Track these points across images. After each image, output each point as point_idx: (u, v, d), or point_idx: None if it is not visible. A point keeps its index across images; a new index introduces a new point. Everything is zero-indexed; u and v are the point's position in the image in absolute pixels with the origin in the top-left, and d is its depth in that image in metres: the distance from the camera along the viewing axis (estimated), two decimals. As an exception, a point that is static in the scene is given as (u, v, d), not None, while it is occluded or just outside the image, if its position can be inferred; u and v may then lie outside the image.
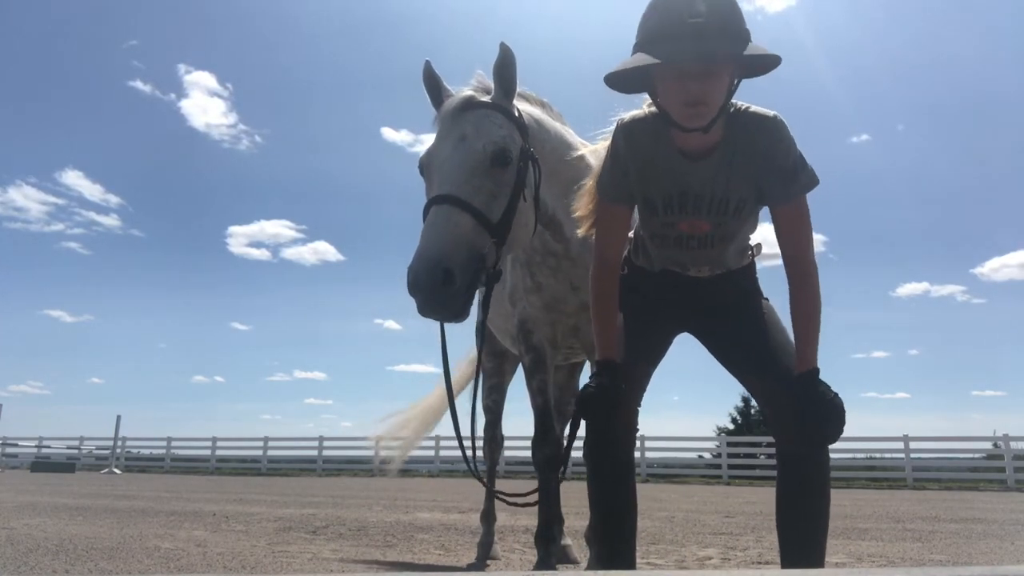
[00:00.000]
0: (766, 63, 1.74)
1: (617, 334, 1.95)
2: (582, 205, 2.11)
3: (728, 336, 2.01)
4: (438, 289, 1.88)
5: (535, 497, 2.84)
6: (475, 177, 2.07)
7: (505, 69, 2.26)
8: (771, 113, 1.83)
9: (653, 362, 2.02)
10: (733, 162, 1.83)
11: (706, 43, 1.64)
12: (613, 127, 1.98)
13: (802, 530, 1.82)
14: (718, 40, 1.65)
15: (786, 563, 1.83)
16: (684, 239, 1.95)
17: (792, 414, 1.77)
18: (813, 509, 1.82)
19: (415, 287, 1.88)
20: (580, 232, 2.18)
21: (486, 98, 2.26)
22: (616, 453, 1.94)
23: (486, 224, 2.03)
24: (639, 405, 1.95)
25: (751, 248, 2.08)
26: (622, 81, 1.82)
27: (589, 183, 2.09)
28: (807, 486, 1.82)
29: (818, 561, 1.78)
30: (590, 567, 3.12)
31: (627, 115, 1.96)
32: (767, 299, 2.08)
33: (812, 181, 1.85)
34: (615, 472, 1.95)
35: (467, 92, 2.28)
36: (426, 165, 2.21)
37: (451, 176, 2.06)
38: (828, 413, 1.73)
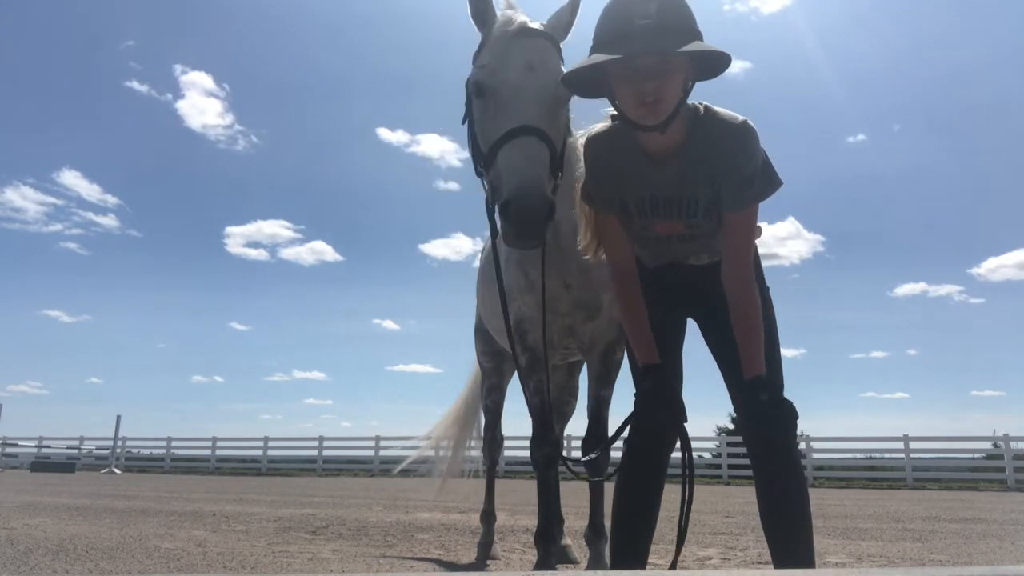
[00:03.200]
0: (718, 63, 1.77)
1: (651, 336, 1.97)
2: (583, 228, 2.12)
3: (717, 330, 2.03)
4: (541, 218, 1.90)
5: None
6: (548, 112, 2.07)
7: (570, 12, 2.27)
8: (740, 119, 1.84)
9: (679, 349, 2.09)
10: (696, 165, 1.85)
11: (656, 42, 1.69)
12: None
13: (784, 531, 1.83)
14: (668, 39, 1.69)
15: (776, 565, 1.83)
16: (664, 240, 2.00)
17: (758, 424, 1.86)
18: (789, 510, 1.83)
19: (523, 214, 1.89)
20: (588, 256, 2.16)
21: (539, 27, 2.23)
22: (661, 450, 2.02)
23: (555, 162, 2.06)
24: (681, 390, 2.04)
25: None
26: (580, 83, 1.87)
27: (580, 206, 2.12)
28: (779, 487, 1.85)
29: (805, 561, 1.78)
30: (590, 567, 3.12)
31: (595, 127, 2.01)
32: (768, 287, 2.06)
33: (768, 190, 1.88)
34: (656, 468, 2.01)
35: (521, 16, 2.24)
36: (488, 85, 2.12)
37: (531, 108, 2.03)
38: (767, 419, 1.81)
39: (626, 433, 2.04)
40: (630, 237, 2.04)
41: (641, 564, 1.95)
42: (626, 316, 2.00)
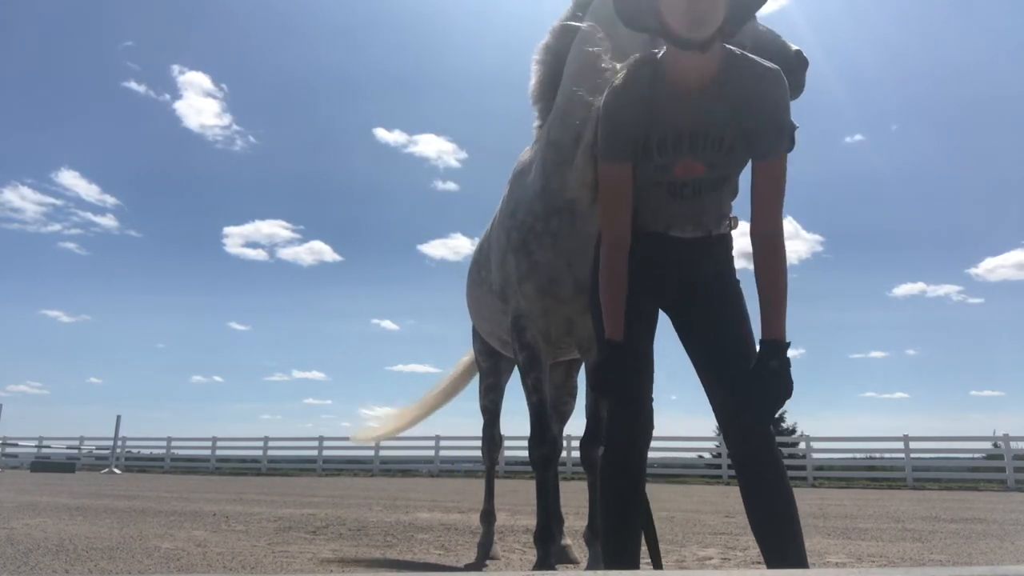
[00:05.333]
0: (751, 5, 1.86)
1: (622, 315, 1.96)
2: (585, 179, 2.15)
3: (694, 323, 2.01)
4: None
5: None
6: None
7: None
8: (774, 66, 1.86)
9: (652, 343, 2.04)
10: (729, 99, 1.85)
11: None
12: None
13: (772, 531, 1.82)
14: None
15: (770, 566, 1.83)
16: (678, 187, 1.93)
17: (737, 421, 1.84)
18: (774, 509, 1.82)
19: None
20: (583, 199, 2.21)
21: None
22: (638, 461, 1.98)
23: None
24: (651, 390, 1.99)
25: (730, 218, 2.07)
26: (631, 13, 1.89)
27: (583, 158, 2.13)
28: (763, 487, 1.84)
29: (798, 561, 1.77)
30: (590, 567, 3.12)
31: (615, 77, 1.99)
32: (739, 281, 2.06)
33: (793, 144, 1.89)
34: (630, 463, 1.98)
35: None
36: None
37: None
38: (771, 386, 1.78)
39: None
40: (637, 188, 1.98)
41: (635, 564, 1.95)
42: (607, 288, 1.96)
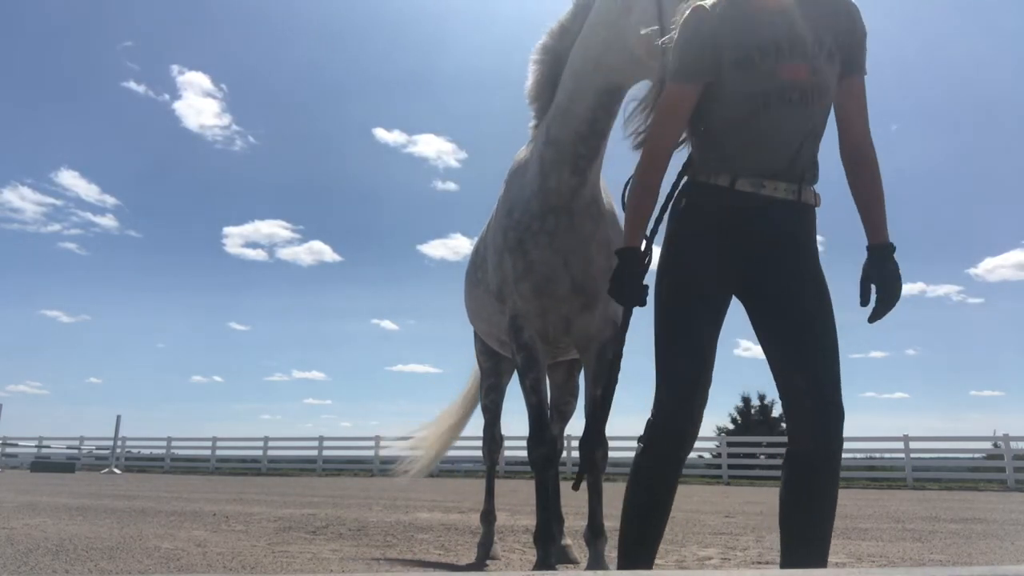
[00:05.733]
0: None
1: (644, 230, 2.00)
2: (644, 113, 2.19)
3: (774, 308, 1.93)
4: None
5: None
6: None
7: None
8: None
9: (716, 340, 1.97)
10: (814, 19, 1.92)
11: None
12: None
13: (808, 536, 1.80)
14: None
15: (786, 563, 1.82)
16: (786, 91, 1.86)
17: (811, 419, 1.81)
18: (822, 513, 1.80)
19: None
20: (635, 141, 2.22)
21: None
22: (679, 454, 1.97)
23: None
24: (708, 385, 1.94)
25: (816, 194, 2.00)
26: None
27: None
28: (816, 490, 1.81)
29: (822, 562, 1.77)
30: (590, 567, 3.12)
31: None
32: (822, 271, 1.99)
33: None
34: (674, 457, 1.97)
35: None
36: None
37: None
38: (893, 286, 1.92)
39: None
40: (742, 98, 1.89)
41: (649, 563, 1.93)
42: (636, 200, 1.98)
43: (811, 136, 1.93)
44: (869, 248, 1.96)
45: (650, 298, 1.98)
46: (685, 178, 2.05)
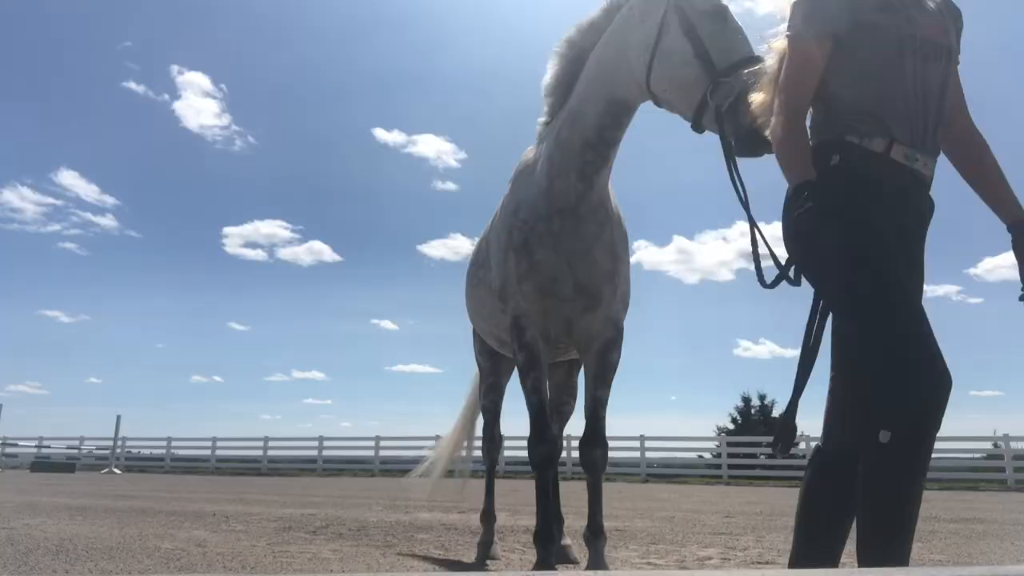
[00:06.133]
0: None
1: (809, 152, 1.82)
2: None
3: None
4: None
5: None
6: None
7: None
8: None
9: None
10: None
11: None
12: None
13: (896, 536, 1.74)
14: None
15: (865, 554, 1.81)
16: (926, 45, 1.84)
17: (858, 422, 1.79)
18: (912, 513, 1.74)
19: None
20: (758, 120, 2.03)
21: None
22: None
23: None
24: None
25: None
26: None
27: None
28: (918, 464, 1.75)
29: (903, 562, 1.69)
30: (590, 567, 3.12)
31: None
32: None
33: None
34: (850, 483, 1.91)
35: None
36: (727, 15, 2.40)
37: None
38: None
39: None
40: (891, 44, 1.83)
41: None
42: (792, 139, 1.79)
43: (945, 100, 1.90)
44: (1011, 228, 1.95)
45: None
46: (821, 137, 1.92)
